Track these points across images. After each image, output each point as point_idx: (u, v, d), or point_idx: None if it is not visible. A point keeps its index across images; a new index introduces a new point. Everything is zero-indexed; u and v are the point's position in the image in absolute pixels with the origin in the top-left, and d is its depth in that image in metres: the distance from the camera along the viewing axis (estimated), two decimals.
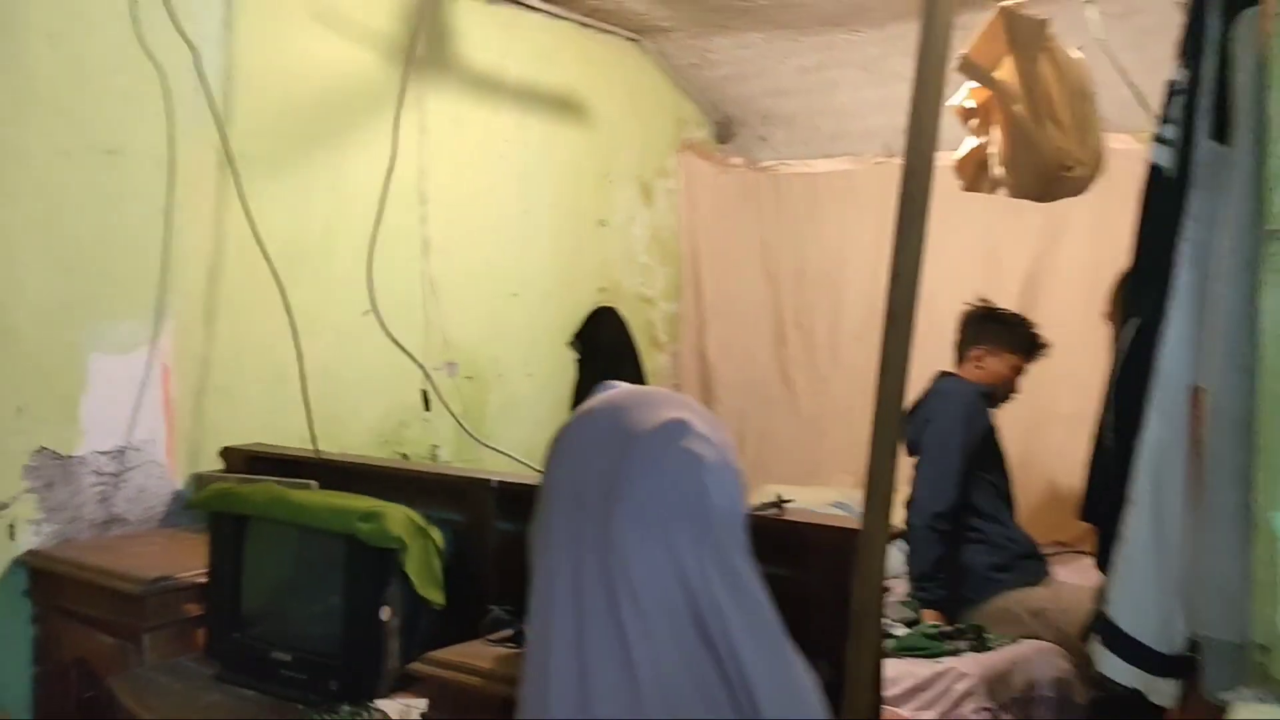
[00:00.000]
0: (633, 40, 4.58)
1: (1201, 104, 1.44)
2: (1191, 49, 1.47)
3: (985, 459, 3.49)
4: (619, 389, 1.19)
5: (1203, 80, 1.44)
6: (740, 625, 1.07)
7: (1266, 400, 1.22)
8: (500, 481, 2.66)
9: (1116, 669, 1.46)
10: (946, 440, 3.42)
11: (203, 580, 2.45)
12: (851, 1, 4.00)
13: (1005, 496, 3.56)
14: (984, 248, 4.46)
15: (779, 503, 2.41)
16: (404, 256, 3.57)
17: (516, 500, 2.67)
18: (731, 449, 1.14)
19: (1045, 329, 3.74)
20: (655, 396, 1.17)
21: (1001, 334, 3.61)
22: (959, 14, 2.36)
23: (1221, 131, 1.41)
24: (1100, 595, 1.52)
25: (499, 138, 3.99)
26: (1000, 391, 3.64)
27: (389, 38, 3.53)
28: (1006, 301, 4.26)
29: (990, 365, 3.60)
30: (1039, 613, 3.25)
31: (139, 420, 2.92)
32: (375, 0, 3.51)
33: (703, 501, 1.09)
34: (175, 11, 2.93)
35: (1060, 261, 4.32)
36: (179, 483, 3.01)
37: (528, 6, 4.06)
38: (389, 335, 3.12)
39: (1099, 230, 4.02)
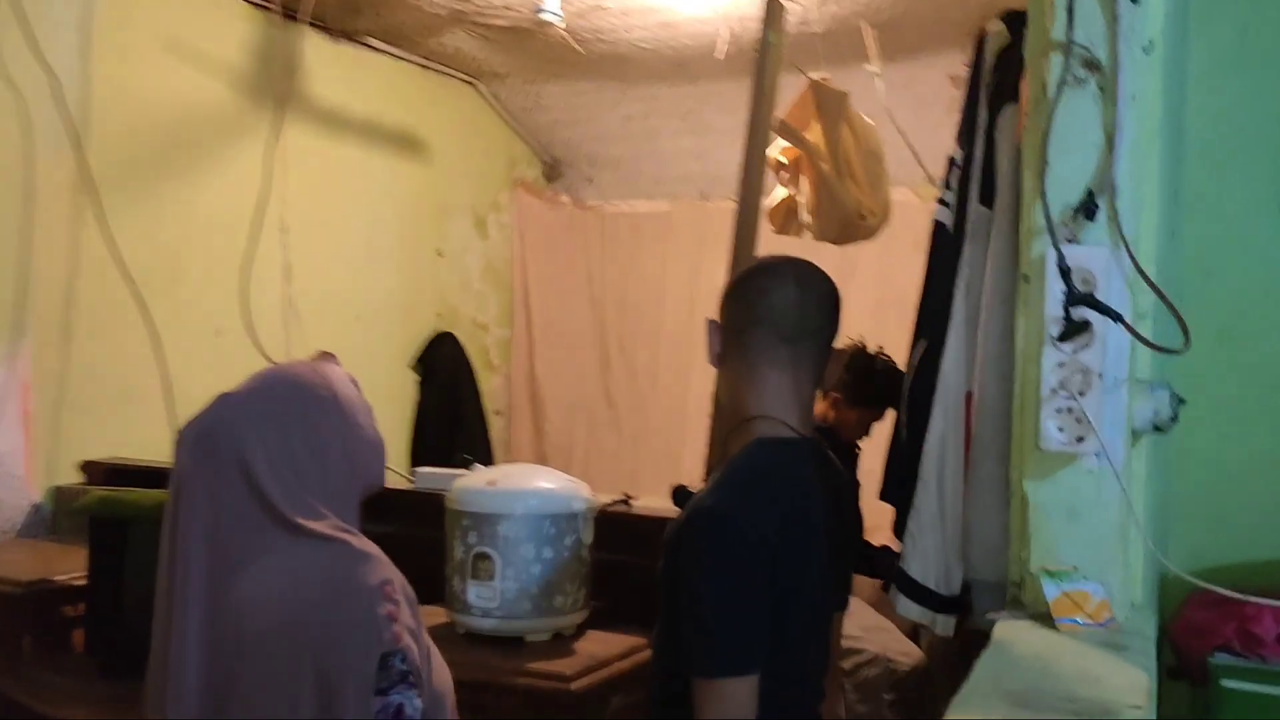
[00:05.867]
0: (469, 83, 4.85)
1: (973, 176, 1.87)
2: (966, 133, 1.90)
3: None
4: None
5: (974, 158, 1.87)
6: None
7: (1019, 399, 1.64)
8: None
9: (910, 609, 1.86)
10: None
11: (78, 583, 2.52)
12: (673, 59, 4.41)
13: None
14: None
15: (626, 499, 2.74)
16: (266, 280, 3.69)
17: (383, 503, 2.88)
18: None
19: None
20: None
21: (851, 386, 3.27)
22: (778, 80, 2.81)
23: (987, 197, 1.84)
24: (899, 554, 1.91)
25: (346, 170, 4.17)
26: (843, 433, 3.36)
27: (239, 70, 3.68)
28: None
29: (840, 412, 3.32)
30: None
31: None
32: (226, 35, 3.66)
33: None
34: (36, 40, 3.00)
35: (851, 296, 4.82)
36: (37, 495, 3.05)
37: (371, 47, 4.27)
38: (263, 354, 3.26)
39: (883, 269, 4.57)
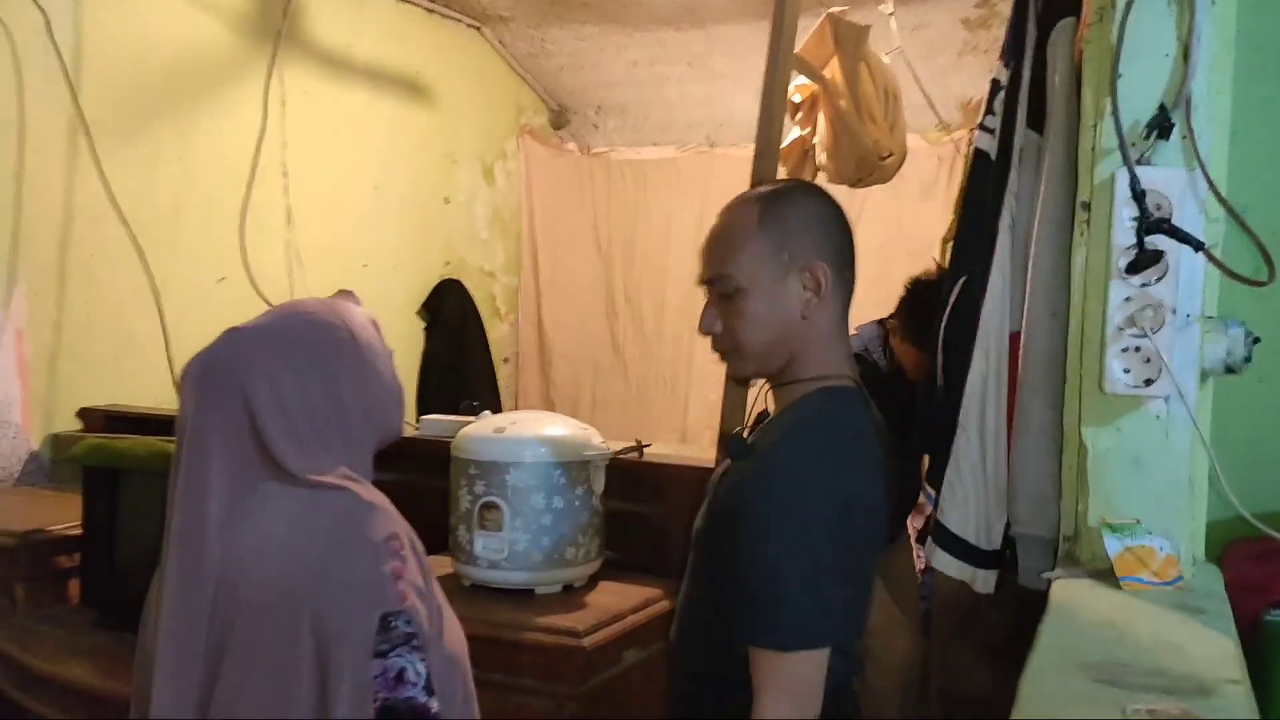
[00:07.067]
0: (474, 28, 4.59)
1: (1020, 98, 1.65)
2: (1013, 51, 1.68)
3: None
4: None
5: (1022, 78, 1.65)
6: None
7: (1076, 338, 1.44)
8: None
9: (947, 564, 1.67)
10: None
11: (74, 533, 2.36)
12: (680, 2, 4.15)
13: None
14: None
15: (638, 446, 2.55)
16: (267, 226, 3.48)
17: (387, 451, 2.70)
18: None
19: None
20: None
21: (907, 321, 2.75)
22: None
23: (1037, 121, 1.63)
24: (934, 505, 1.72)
25: (350, 116, 3.92)
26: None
27: (238, 9, 3.42)
28: None
29: (897, 346, 2.81)
30: None
31: None
32: None
33: None
34: None
35: (858, 241, 4.59)
36: (35, 443, 2.85)
37: None
38: (265, 301, 3.06)
39: (890, 214, 4.35)
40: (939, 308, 1.93)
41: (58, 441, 2.85)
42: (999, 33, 4.14)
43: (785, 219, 1.30)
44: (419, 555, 1.25)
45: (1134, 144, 1.34)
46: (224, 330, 1.29)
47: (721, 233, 1.33)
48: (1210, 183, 1.33)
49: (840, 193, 3.57)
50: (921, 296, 2.64)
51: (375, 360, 1.33)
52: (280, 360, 1.26)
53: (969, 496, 1.65)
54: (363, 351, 1.31)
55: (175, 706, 1.20)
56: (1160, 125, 1.33)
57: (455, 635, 1.30)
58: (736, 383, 1.42)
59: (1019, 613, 1.75)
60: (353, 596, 1.17)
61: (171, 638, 1.22)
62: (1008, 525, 1.65)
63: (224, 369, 1.26)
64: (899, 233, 4.33)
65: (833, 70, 2.95)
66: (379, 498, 1.26)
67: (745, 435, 1.36)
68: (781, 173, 3.24)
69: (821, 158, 3.10)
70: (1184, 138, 1.34)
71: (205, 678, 1.21)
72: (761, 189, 1.37)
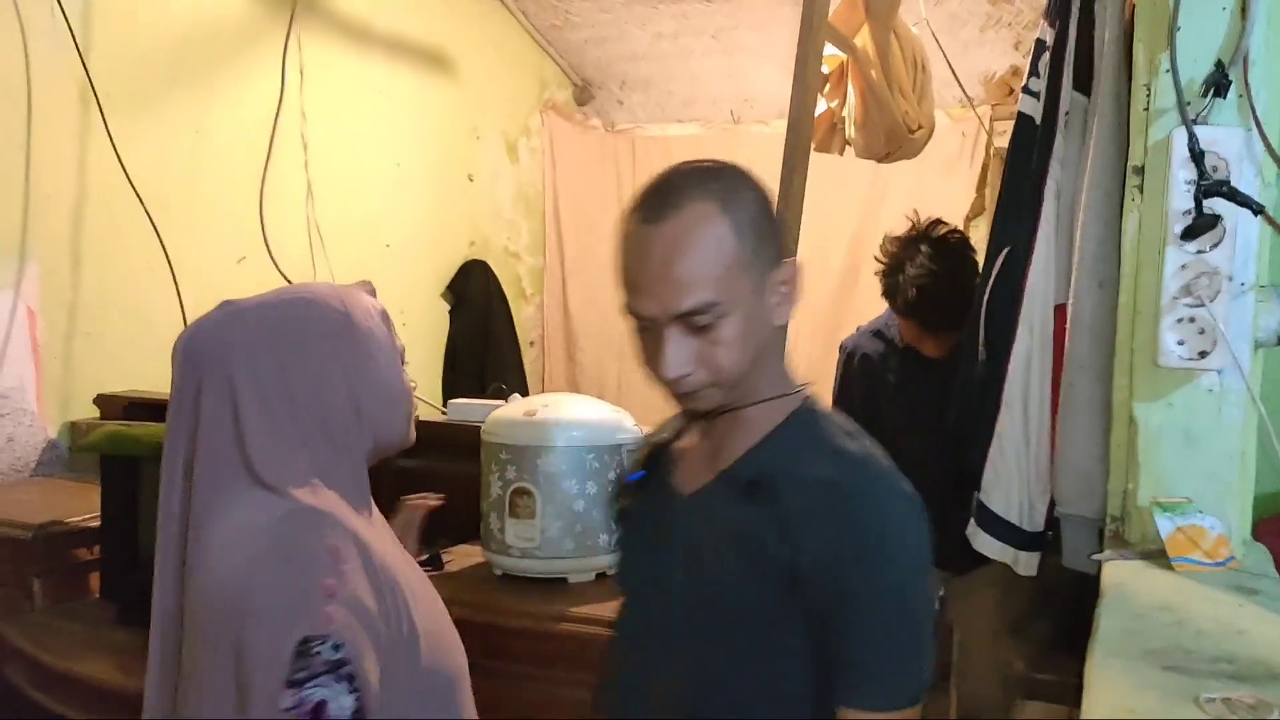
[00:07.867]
0: None
1: (1066, 59, 1.59)
2: (1058, 10, 1.62)
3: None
4: None
5: (1068, 38, 1.59)
6: None
7: (1128, 309, 1.38)
8: None
9: (989, 545, 1.62)
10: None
11: (92, 524, 2.31)
12: None
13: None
14: (815, 210, 4.66)
15: None
16: (287, 201, 3.43)
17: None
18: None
19: (870, 284, 3.76)
20: None
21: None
22: None
23: (1083, 82, 1.57)
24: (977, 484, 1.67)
25: (370, 88, 3.86)
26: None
27: None
28: (835, 260, 4.43)
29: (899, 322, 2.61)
30: None
31: (5, 367, 2.69)
32: None
33: None
34: None
35: (882, 220, 4.51)
36: (51, 431, 2.82)
37: None
38: (285, 280, 3.03)
39: (914, 192, 4.26)
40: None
41: (74, 429, 2.82)
42: (1022, 6, 4.07)
43: (754, 218, 1.07)
44: (376, 570, 1.12)
45: (1189, 103, 1.28)
46: (219, 303, 1.24)
47: (686, 252, 1.03)
48: (1267, 143, 1.27)
49: (865, 168, 3.52)
50: (891, 260, 2.52)
51: (374, 350, 1.22)
52: (266, 337, 1.18)
53: (1012, 476, 1.60)
54: (360, 338, 1.21)
55: (157, 699, 1.19)
56: (1217, 83, 1.27)
57: (442, 653, 1.19)
58: (695, 418, 1.13)
59: (1040, 592, 1.71)
60: (270, 616, 1.05)
61: (153, 629, 1.19)
62: (1051, 505, 1.60)
63: (209, 343, 1.19)
64: (921, 210, 4.23)
65: (864, 39, 2.88)
66: (330, 503, 1.14)
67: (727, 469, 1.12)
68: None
69: (851, 131, 3.04)
70: (1240, 96, 1.28)
71: (176, 674, 1.18)
72: (696, 183, 1.08)
